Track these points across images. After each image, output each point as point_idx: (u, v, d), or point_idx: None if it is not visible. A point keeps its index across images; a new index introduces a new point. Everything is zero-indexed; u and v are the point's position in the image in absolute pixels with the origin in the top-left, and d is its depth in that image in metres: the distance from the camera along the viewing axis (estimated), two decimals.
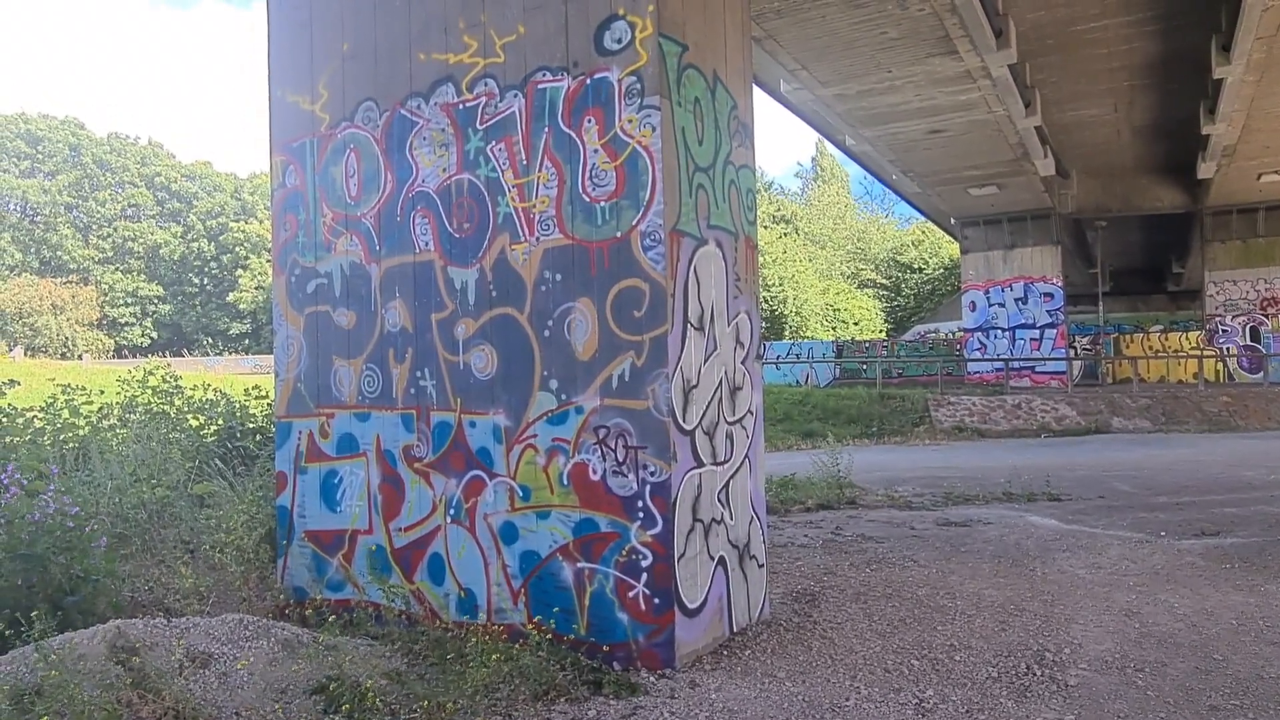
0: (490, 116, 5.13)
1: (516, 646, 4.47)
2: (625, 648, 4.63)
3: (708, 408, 4.98)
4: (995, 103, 17.09)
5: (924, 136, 19.70)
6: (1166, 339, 32.15)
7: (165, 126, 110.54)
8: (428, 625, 5.09)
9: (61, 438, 7.72)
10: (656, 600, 4.58)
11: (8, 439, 7.31)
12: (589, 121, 4.80)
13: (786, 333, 45.23)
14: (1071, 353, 28.93)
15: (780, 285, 45.99)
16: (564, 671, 4.39)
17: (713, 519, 5.00)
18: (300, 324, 5.90)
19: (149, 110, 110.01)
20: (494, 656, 4.25)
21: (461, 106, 5.23)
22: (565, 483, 4.84)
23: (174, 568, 5.80)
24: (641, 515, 4.62)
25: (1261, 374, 24.98)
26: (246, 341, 66.59)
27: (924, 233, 53.16)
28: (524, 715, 4.00)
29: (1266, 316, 26.41)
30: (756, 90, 12.63)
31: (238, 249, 67.94)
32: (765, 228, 53.29)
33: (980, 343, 27.84)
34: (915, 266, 54.74)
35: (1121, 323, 35.10)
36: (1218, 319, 27.04)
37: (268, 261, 58.36)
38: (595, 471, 4.75)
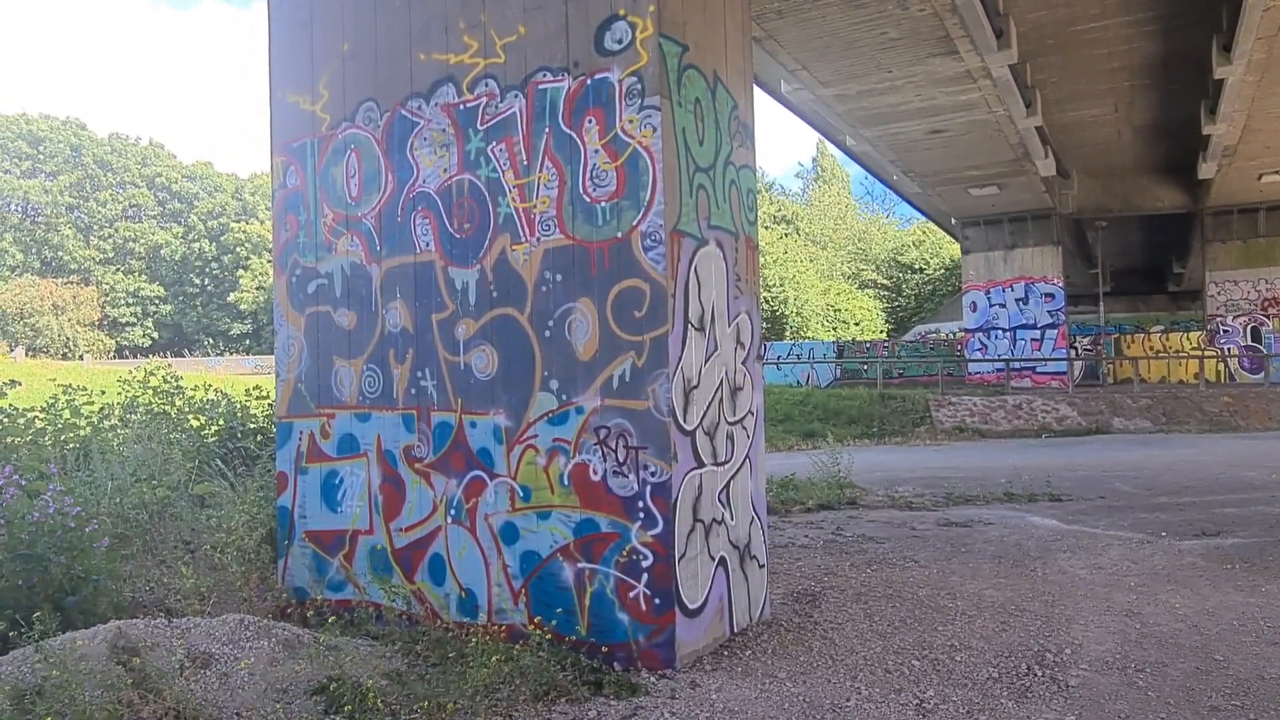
0: (491, 117, 5.13)
1: (517, 647, 4.47)
2: (626, 648, 4.63)
3: (708, 408, 4.98)
4: (996, 103, 17.08)
5: (925, 137, 19.70)
6: (1167, 339, 32.14)
7: (166, 127, 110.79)
8: (428, 625, 5.09)
9: (62, 438, 7.72)
10: (657, 600, 4.58)
11: (9, 439, 7.31)
12: (589, 122, 4.80)
13: (787, 333, 45.21)
14: (1072, 353, 28.93)
15: (781, 285, 45.98)
16: (564, 672, 4.39)
17: (713, 519, 5.00)
18: (301, 324, 5.91)
19: (150, 111, 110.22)
20: (494, 657, 4.26)
21: (462, 107, 5.23)
22: (566, 483, 4.84)
23: (175, 568, 5.80)
24: (642, 515, 4.62)
25: (1262, 374, 24.97)
26: (247, 342, 66.65)
27: (925, 233, 53.14)
28: (524, 715, 4.00)
29: (1267, 317, 26.40)
30: (757, 90, 12.65)
31: (239, 249, 68.00)
32: (766, 228, 53.29)
33: (981, 343, 27.83)
34: (916, 267, 54.72)
35: (1122, 323, 35.08)
36: (1218, 319, 27.02)
37: (268, 262, 58.46)
38: (596, 472, 4.75)
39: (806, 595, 6.06)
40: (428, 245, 5.35)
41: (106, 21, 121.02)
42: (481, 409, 5.13)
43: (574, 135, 4.85)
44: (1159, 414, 21.29)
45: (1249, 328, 26.63)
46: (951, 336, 36.86)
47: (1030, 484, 10.67)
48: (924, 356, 33.69)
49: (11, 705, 3.56)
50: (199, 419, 8.80)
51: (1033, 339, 26.86)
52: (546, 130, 4.94)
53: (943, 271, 52.08)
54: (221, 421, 8.63)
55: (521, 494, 4.98)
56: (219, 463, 7.42)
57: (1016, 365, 26.43)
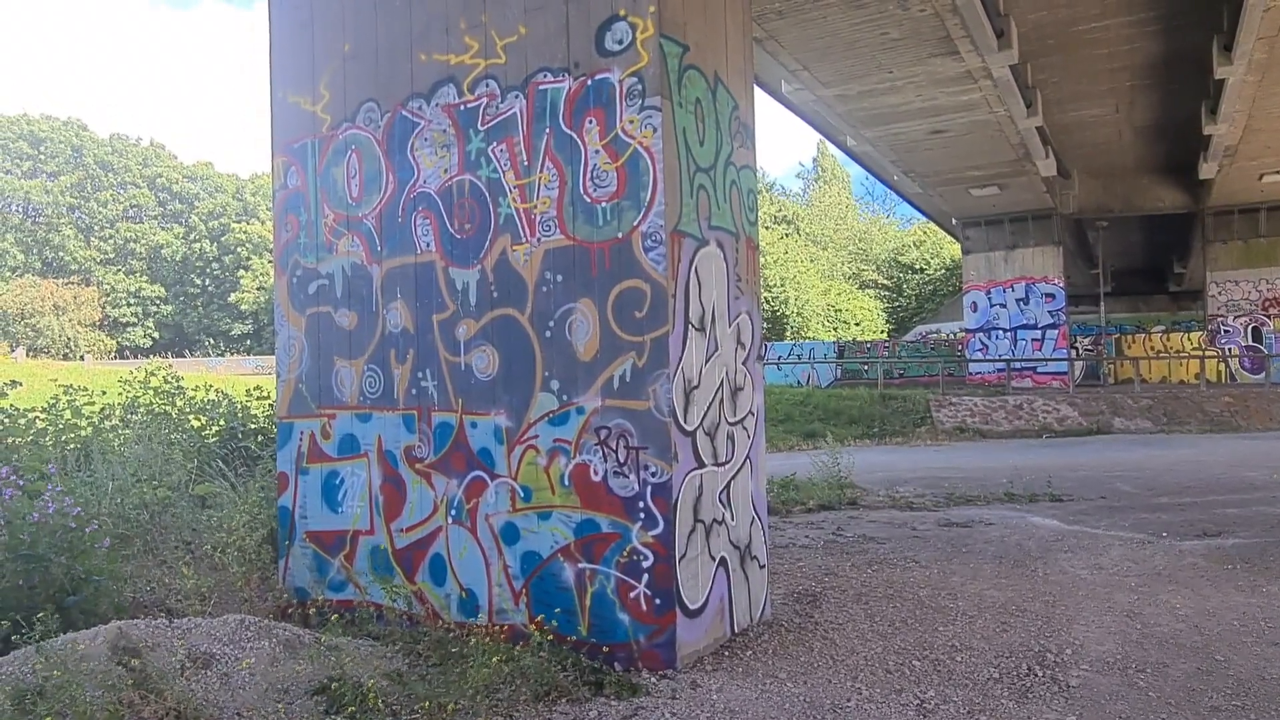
0: (491, 117, 5.13)
1: (518, 647, 4.47)
2: (626, 648, 4.63)
3: (709, 408, 4.98)
4: (996, 103, 17.08)
5: (925, 137, 19.70)
6: (1168, 339, 32.12)
7: (167, 127, 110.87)
8: (429, 626, 5.09)
9: (63, 438, 7.72)
10: (658, 601, 4.58)
11: (10, 439, 7.32)
12: (590, 122, 4.80)
13: (788, 333, 45.20)
14: (1073, 353, 28.92)
15: (782, 286, 45.97)
16: (565, 672, 4.39)
17: (714, 520, 5.00)
18: (302, 325, 5.91)
19: (150, 111, 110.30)
20: (495, 657, 4.26)
21: (463, 107, 5.23)
22: (566, 483, 4.84)
23: (176, 568, 5.80)
24: (643, 516, 4.62)
25: (1263, 374, 24.94)
26: (248, 342, 66.70)
27: (925, 233, 53.14)
28: (525, 716, 4.00)
29: (1268, 317, 26.38)
30: (758, 91, 12.66)
31: (239, 250, 68.04)
32: (767, 228, 53.29)
33: (982, 343, 27.82)
34: (917, 267, 54.71)
35: (1123, 323, 35.07)
36: (1219, 319, 27.00)
37: (269, 262, 58.50)
38: (596, 472, 4.75)
39: (807, 595, 6.06)
40: (428, 246, 5.35)
41: (107, 22, 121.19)
42: (482, 409, 5.14)
43: (574, 136, 4.85)
44: (1160, 414, 21.28)
45: (1250, 328, 26.61)
46: (952, 337, 36.85)
47: (1031, 484, 10.67)
48: (925, 357, 33.68)
49: (13, 705, 3.57)
50: (200, 419, 8.81)
51: (1033, 339, 26.85)
52: (547, 131, 4.94)
53: (943, 272, 52.07)
54: (222, 422, 8.63)
55: (522, 494, 4.98)
56: (220, 463, 7.42)
57: (1017, 365, 26.42)
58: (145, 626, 4.38)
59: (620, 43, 4.73)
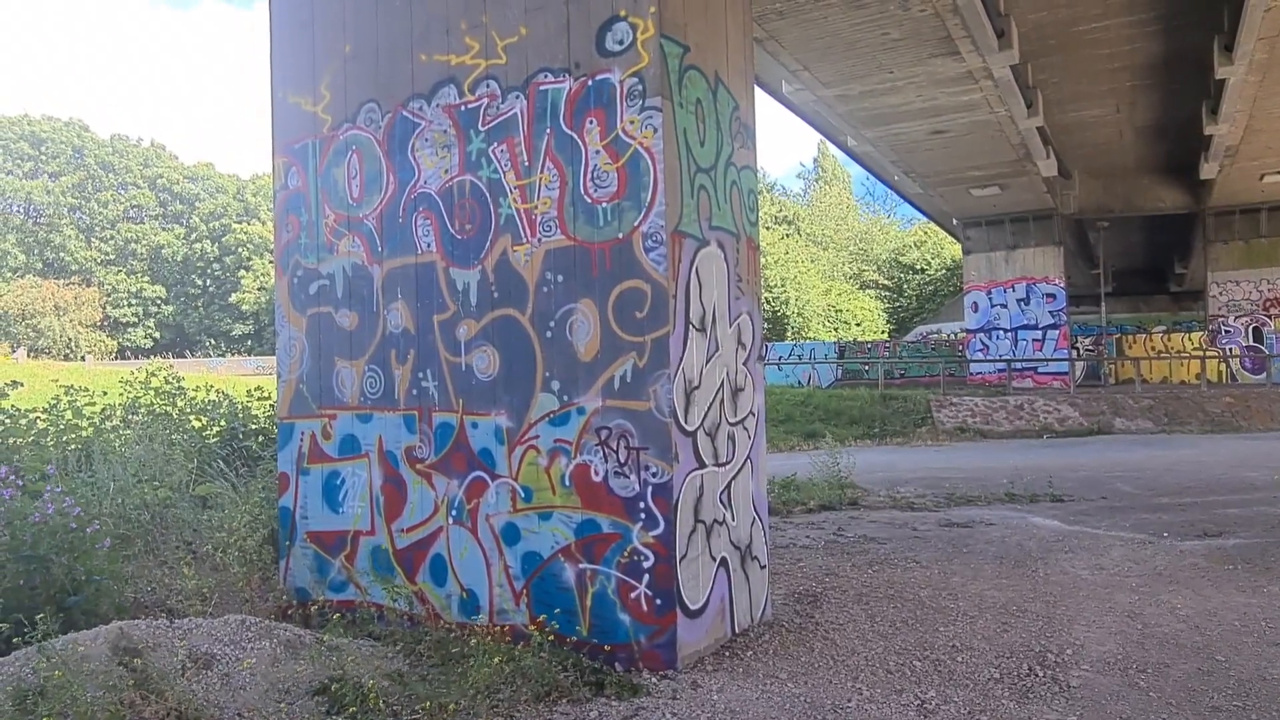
0: (492, 118, 5.13)
1: (518, 647, 4.47)
2: (627, 649, 4.63)
3: (709, 409, 4.98)
4: (997, 103, 17.07)
5: (926, 137, 19.69)
6: (1169, 339, 32.11)
7: (167, 128, 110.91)
8: (430, 626, 5.09)
9: (64, 439, 7.73)
10: (658, 601, 4.58)
11: (11, 440, 7.32)
12: (591, 123, 4.81)
13: (789, 334, 45.20)
14: (1074, 353, 28.90)
15: (782, 286, 45.97)
16: (566, 672, 4.39)
17: (714, 520, 5.00)
18: (303, 325, 5.91)
19: (151, 111, 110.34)
20: (496, 657, 4.26)
21: (463, 108, 5.23)
22: (567, 484, 4.84)
23: (176, 569, 5.80)
24: (643, 516, 4.62)
25: (1264, 375, 24.92)
26: (249, 343, 66.72)
27: (926, 233, 53.12)
28: (526, 716, 4.00)
29: (1269, 317, 26.36)
30: (758, 91, 12.64)
31: (240, 250, 68.07)
32: (767, 229, 53.28)
33: (982, 343, 27.82)
34: (917, 267, 54.69)
35: (1124, 323, 35.07)
36: (1220, 319, 26.99)
37: (270, 263, 58.46)
38: (597, 472, 4.75)
39: (808, 596, 6.06)
40: (429, 246, 5.35)
41: (107, 22, 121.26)
42: (483, 410, 5.14)
43: (575, 136, 4.85)
44: (1161, 414, 21.27)
45: (1251, 328, 26.60)
46: (953, 337, 36.83)
47: (1032, 484, 10.67)
48: (925, 357, 33.67)
49: (14, 706, 3.57)
50: (201, 420, 8.82)
51: (1034, 339, 26.84)
52: (548, 131, 4.94)
53: (944, 272, 52.06)
54: (223, 422, 8.64)
55: (523, 495, 4.98)
56: (221, 464, 7.43)
57: (1018, 366, 26.41)
58: (146, 627, 4.38)
59: (621, 43, 4.73)
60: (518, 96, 5.04)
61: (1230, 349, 26.73)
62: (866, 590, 6.20)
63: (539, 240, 4.95)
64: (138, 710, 3.62)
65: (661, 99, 4.64)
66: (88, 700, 3.53)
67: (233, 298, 66.79)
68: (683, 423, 4.70)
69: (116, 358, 58.16)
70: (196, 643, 4.27)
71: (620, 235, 4.71)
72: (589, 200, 4.81)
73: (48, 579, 4.73)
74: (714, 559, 4.98)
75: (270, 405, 8.66)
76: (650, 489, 4.61)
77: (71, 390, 8.56)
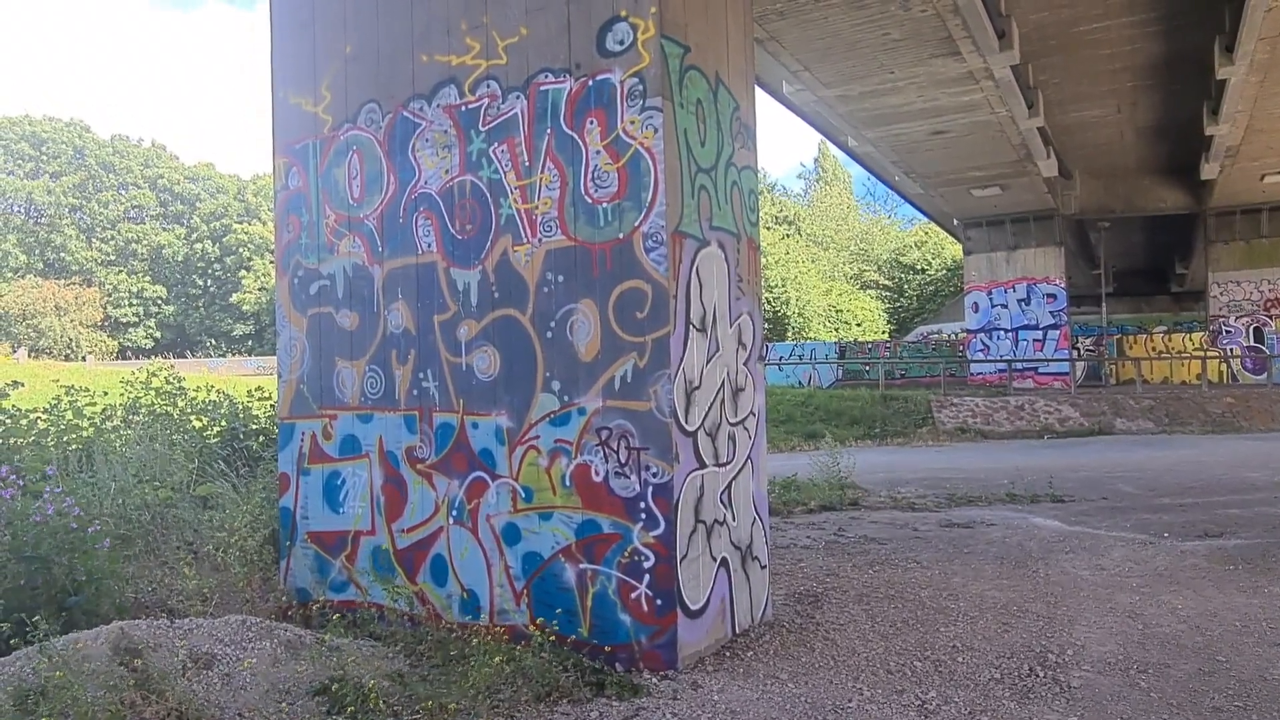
0: (493, 118, 5.13)
1: (519, 647, 4.47)
2: (627, 649, 4.63)
3: (710, 409, 4.98)
4: (998, 104, 17.07)
5: (927, 138, 19.69)
6: (1170, 340, 32.10)
7: (168, 128, 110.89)
8: (431, 626, 5.09)
9: (65, 439, 7.72)
10: (659, 601, 4.58)
11: (12, 440, 7.32)
12: (591, 123, 4.81)
13: (789, 334, 45.20)
14: (1074, 354, 28.90)
15: (783, 286, 45.96)
16: (566, 672, 4.39)
17: (715, 520, 5.00)
18: (303, 325, 5.91)
19: (152, 112, 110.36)
20: (496, 657, 4.26)
21: (464, 108, 5.24)
22: (568, 484, 4.84)
23: (177, 569, 5.80)
24: (644, 516, 4.62)
25: (1265, 375, 24.91)
26: (250, 343, 66.72)
27: (927, 234, 53.12)
28: (526, 716, 4.00)
29: (1270, 317, 26.35)
30: (759, 91, 12.64)
31: (241, 250, 68.08)
32: (768, 229, 53.28)
33: (983, 344, 27.81)
34: (918, 267, 54.70)
35: (1125, 324, 35.06)
36: (1221, 320, 26.98)
37: (271, 263, 58.53)
38: (598, 473, 4.75)
39: (808, 596, 6.05)
40: (430, 246, 5.35)
41: (109, 22, 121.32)
42: (483, 410, 5.14)
43: (576, 136, 4.86)
44: (1161, 415, 21.26)
45: (1251, 328, 26.59)
46: (953, 337, 36.83)
47: (1032, 485, 10.67)
48: (926, 357, 33.68)
49: (14, 706, 3.57)
50: (201, 420, 8.81)
51: (1035, 340, 26.84)
52: (548, 131, 4.94)
53: (945, 272, 52.06)
54: (224, 422, 8.64)
55: (523, 495, 4.98)
56: (221, 464, 7.43)
57: (1019, 366, 26.41)
58: (147, 627, 4.39)
59: (621, 43, 4.73)
60: (518, 97, 5.04)
61: (1231, 349, 26.72)
62: (867, 590, 6.20)
63: (539, 240, 4.95)
64: (138, 710, 3.62)
65: (662, 99, 4.64)
66: (88, 700, 3.54)
67: (233, 298, 66.82)
68: (683, 423, 4.70)
69: (117, 358, 58.19)
70: (197, 643, 4.27)
71: (621, 235, 4.71)
72: (589, 200, 4.81)
73: (48, 579, 4.73)
74: (714, 559, 4.98)
75: (271, 405, 8.65)
76: (651, 489, 4.61)
77: (72, 390, 8.55)
